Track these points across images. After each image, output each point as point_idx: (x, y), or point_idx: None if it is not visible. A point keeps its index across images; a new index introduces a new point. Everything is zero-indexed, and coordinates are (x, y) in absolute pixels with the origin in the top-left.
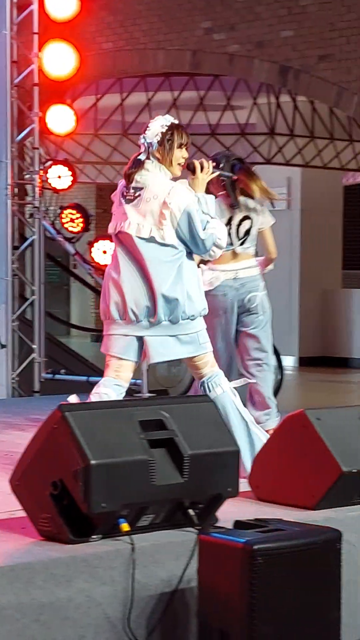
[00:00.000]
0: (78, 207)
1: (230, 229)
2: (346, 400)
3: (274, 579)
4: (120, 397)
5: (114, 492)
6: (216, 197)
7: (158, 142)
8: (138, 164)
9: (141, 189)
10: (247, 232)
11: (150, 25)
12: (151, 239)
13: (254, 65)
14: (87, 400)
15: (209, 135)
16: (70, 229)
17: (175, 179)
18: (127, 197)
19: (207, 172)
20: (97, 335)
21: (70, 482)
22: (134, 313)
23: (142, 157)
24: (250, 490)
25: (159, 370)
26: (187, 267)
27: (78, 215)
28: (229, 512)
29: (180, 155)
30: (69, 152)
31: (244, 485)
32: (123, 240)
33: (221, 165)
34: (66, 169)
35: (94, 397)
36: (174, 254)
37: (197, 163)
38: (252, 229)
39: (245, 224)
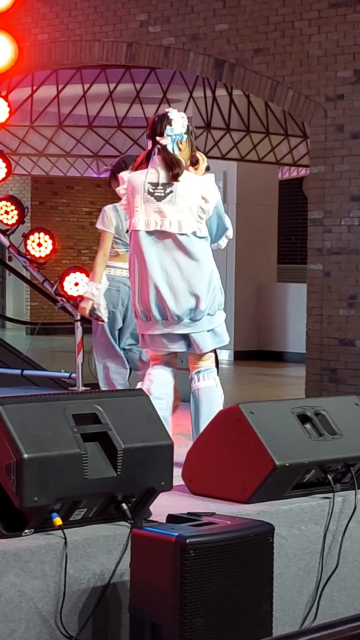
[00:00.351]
0: (13, 199)
1: None
2: (280, 394)
3: (205, 573)
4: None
5: (46, 486)
6: None
7: (185, 133)
8: (176, 159)
9: (171, 184)
10: None
11: (85, 17)
12: (193, 234)
13: (189, 58)
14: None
15: (146, 128)
16: (5, 221)
17: None
18: (156, 195)
19: (204, 165)
20: (32, 328)
21: (2, 476)
22: (177, 316)
23: (171, 149)
24: (184, 484)
25: (93, 363)
26: (213, 258)
27: (13, 207)
28: (162, 506)
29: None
30: (4, 143)
31: (177, 479)
32: (158, 239)
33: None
34: (1, 160)
35: (148, 379)
36: (207, 246)
37: (199, 156)
38: None
39: None
